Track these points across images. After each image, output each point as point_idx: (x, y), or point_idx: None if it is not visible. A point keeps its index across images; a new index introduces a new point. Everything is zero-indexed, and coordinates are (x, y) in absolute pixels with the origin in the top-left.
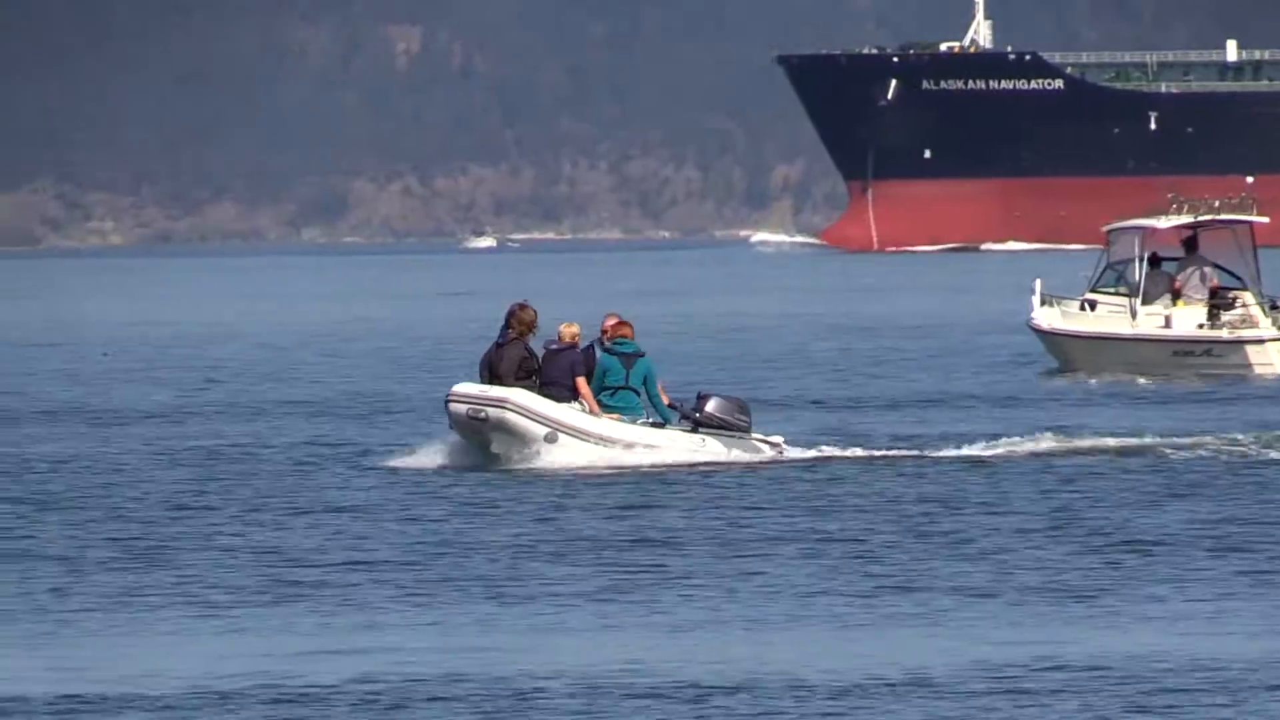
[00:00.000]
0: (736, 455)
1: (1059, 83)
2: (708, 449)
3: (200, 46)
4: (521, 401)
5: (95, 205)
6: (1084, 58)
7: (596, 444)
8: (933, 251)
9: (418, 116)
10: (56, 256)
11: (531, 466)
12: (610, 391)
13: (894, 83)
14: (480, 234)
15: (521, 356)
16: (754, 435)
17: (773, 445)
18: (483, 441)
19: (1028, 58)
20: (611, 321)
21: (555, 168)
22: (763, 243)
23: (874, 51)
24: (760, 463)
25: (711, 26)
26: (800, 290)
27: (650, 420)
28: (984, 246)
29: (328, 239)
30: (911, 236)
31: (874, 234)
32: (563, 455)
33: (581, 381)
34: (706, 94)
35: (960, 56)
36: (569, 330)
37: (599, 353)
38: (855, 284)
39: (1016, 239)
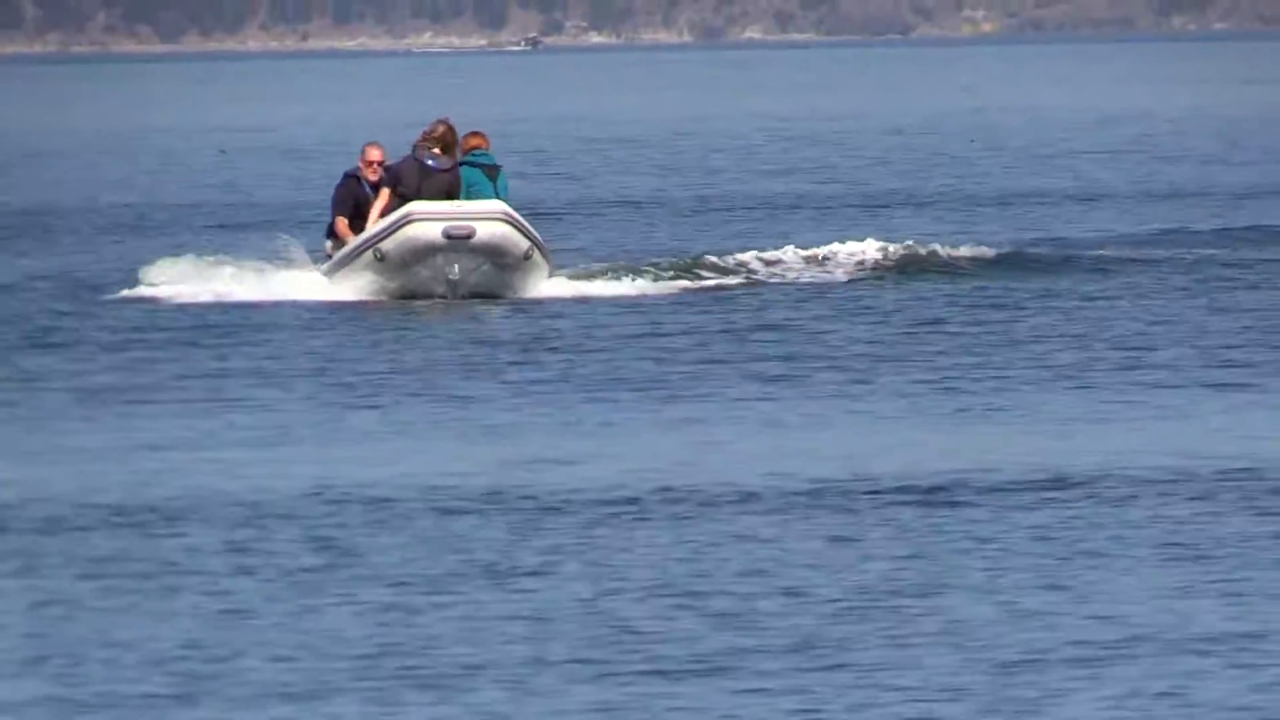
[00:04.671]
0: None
1: None
2: None
3: None
4: (511, 212)
5: None
6: None
7: (549, 264)
8: None
9: None
10: (929, 45)
11: (502, 295)
12: None
13: None
14: None
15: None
16: None
17: None
18: (445, 265)
19: None
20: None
21: None
22: None
23: None
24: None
25: None
26: None
27: None
28: None
29: (1196, 26)
30: None
31: None
32: (532, 280)
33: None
34: None
35: None
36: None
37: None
38: None
39: None
